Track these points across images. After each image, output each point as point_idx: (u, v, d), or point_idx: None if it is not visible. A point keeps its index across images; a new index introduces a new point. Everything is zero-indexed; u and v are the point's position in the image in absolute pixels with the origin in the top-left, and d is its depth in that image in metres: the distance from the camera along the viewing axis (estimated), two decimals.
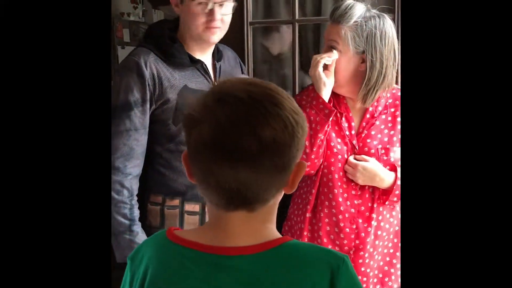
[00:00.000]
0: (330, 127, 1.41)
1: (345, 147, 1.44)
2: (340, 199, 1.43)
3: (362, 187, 1.44)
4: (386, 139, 1.44)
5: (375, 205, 1.44)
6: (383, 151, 1.43)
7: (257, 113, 0.68)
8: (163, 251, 0.77)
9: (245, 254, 0.72)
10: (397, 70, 1.46)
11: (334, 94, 1.44)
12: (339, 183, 1.43)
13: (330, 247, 1.42)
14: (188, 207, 1.47)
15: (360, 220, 1.43)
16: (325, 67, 1.39)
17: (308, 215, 1.46)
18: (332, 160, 1.43)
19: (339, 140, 1.44)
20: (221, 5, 1.39)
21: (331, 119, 1.38)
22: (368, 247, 1.44)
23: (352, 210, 1.44)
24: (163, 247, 0.77)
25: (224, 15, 1.40)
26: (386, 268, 1.50)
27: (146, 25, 2.74)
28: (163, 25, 1.51)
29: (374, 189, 1.44)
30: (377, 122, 1.44)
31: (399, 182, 1.40)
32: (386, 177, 1.41)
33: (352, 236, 1.43)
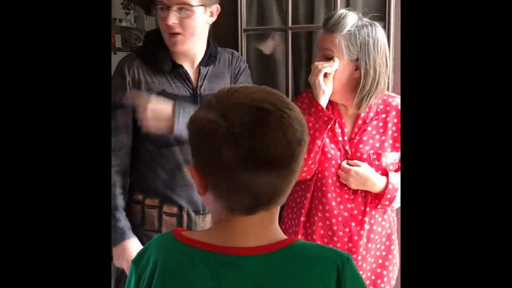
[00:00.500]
0: (326, 133, 1.44)
1: (338, 153, 1.47)
2: (334, 203, 1.46)
3: (355, 191, 1.46)
4: (377, 144, 1.47)
5: (367, 209, 1.47)
6: (374, 156, 1.46)
7: (284, 121, 0.72)
8: (172, 252, 0.78)
9: (255, 254, 0.75)
10: (389, 76, 1.50)
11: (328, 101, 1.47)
12: (333, 188, 1.46)
13: None
14: (166, 208, 1.51)
15: (353, 224, 1.46)
16: (324, 75, 1.41)
17: (302, 219, 1.49)
18: (326, 165, 1.46)
19: (332, 145, 1.47)
20: (180, 9, 1.41)
21: (329, 126, 1.41)
22: (361, 250, 1.46)
23: (345, 214, 1.46)
24: (172, 247, 0.79)
25: (183, 19, 1.41)
26: (378, 270, 1.53)
27: (138, 31, 2.75)
28: (156, 32, 1.54)
29: (366, 193, 1.47)
30: (369, 128, 1.47)
31: (390, 186, 1.43)
32: (378, 182, 1.44)
33: (345, 240, 1.45)
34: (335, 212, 1.46)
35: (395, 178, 1.45)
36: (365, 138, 1.47)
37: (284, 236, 0.79)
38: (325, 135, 1.44)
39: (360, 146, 1.47)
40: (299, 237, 1.49)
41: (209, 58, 1.53)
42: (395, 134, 1.48)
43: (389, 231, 1.53)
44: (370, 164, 1.45)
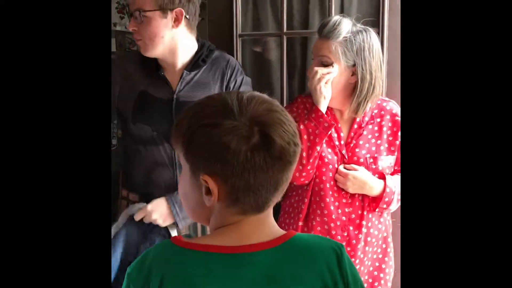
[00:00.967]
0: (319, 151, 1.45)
1: (335, 157, 1.49)
2: (332, 208, 1.48)
3: (352, 196, 1.48)
4: (373, 148, 1.49)
5: (365, 213, 1.48)
6: (371, 160, 1.48)
7: (288, 122, 0.79)
8: (179, 260, 0.78)
9: (264, 250, 0.78)
10: (383, 81, 1.53)
11: None
12: (330, 192, 1.48)
13: None
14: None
15: (351, 228, 1.48)
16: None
17: (300, 223, 1.50)
18: (324, 169, 1.48)
19: (329, 150, 1.49)
20: (135, 17, 1.40)
21: (329, 132, 1.43)
22: (359, 253, 1.48)
23: (344, 218, 1.48)
24: (179, 255, 0.79)
25: (140, 25, 1.40)
26: (375, 273, 1.54)
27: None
28: None
29: (363, 197, 1.49)
30: (365, 132, 1.50)
31: (388, 190, 1.45)
32: (376, 185, 1.46)
33: (344, 244, 1.46)
34: (333, 216, 1.47)
35: (392, 181, 1.48)
36: (361, 142, 1.49)
37: (283, 231, 0.83)
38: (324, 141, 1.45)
39: (357, 150, 1.49)
40: None
41: (195, 63, 1.49)
42: (390, 138, 1.50)
43: (385, 234, 1.55)
44: (367, 168, 1.47)
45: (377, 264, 1.55)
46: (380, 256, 1.55)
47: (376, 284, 1.54)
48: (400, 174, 1.52)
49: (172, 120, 1.46)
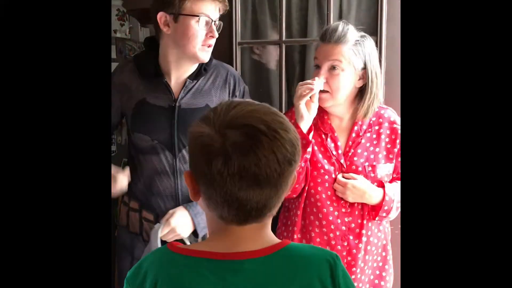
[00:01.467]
0: (310, 154, 1.44)
1: (332, 167, 1.48)
2: (331, 218, 1.47)
3: (352, 205, 1.48)
4: (372, 156, 1.49)
5: (364, 221, 1.49)
6: (370, 168, 1.48)
7: (277, 142, 0.76)
8: (173, 265, 0.81)
9: (255, 257, 0.79)
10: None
11: (319, 115, 1.49)
12: (329, 202, 1.47)
13: None
14: (145, 213, 1.54)
15: (351, 237, 1.48)
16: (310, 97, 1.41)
17: (296, 236, 1.50)
18: (319, 180, 1.47)
19: (325, 160, 1.48)
20: (215, 23, 1.43)
21: (308, 149, 1.41)
22: (360, 262, 1.48)
23: (343, 227, 1.48)
24: (172, 261, 0.81)
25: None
26: (376, 281, 1.55)
27: (132, 42, 2.77)
28: (150, 39, 1.56)
29: (363, 205, 1.49)
30: (363, 141, 1.50)
31: (387, 198, 1.46)
32: (375, 194, 1.46)
33: (344, 253, 1.47)
34: (332, 226, 1.47)
35: (391, 189, 1.48)
36: (359, 151, 1.49)
37: (278, 240, 0.84)
38: (308, 156, 1.44)
39: (355, 159, 1.49)
40: None
41: (199, 72, 1.51)
42: (389, 146, 1.51)
43: (384, 241, 1.56)
44: (366, 176, 1.48)
45: (377, 272, 1.55)
46: (380, 264, 1.55)
47: None
48: (398, 181, 1.53)
49: (173, 127, 1.47)
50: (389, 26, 1.74)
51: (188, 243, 1.45)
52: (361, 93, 1.49)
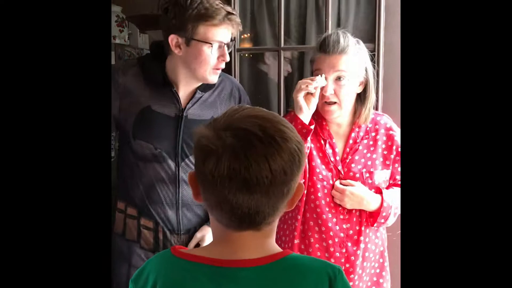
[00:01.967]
0: (309, 148, 1.45)
1: (329, 173, 1.49)
2: (330, 224, 1.47)
3: (349, 211, 1.48)
4: (369, 162, 1.50)
5: (362, 228, 1.49)
6: (367, 175, 1.48)
7: (272, 149, 0.75)
8: (173, 268, 0.82)
9: (253, 266, 0.79)
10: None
11: (317, 122, 1.50)
12: (327, 209, 1.47)
13: None
14: (144, 221, 1.53)
15: (349, 244, 1.48)
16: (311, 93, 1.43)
17: (295, 241, 1.50)
18: (319, 186, 1.47)
19: (323, 166, 1.49)
20: (228, 46, 1.42)
21: (309, 138, 1.42)
22: (358, 269, 1.48)
23: (342, 234, 1.48)
24: (172, 264, 0.82)
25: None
26: None
27: (131, 47, 2.78)
28: (157, 44, 1.52)
29: (361, 212, 1.49)
30: (360, 147, 1.50)
31: (385, 204, 1.46)
32: (373, 200, 1.46)
33: (342, 260, 1.47)
34: (331, 233, 1.47)
35: (389, 196, 1.48)
36: (356, 157, 1.50)
37: (279, 249, 0.83)
38: (307, 150, 1.44)
39: (353, 165, 1.49)
40: None
41: (208, 84, 1.50)
42: (385, 152, 1.51)
43: (381, 248, 1.56)
44: (363, 182, 1.48)
45: (375, 279, 1.55)
46: (378, 270, 1.55)
47: None
48: (395, 187, 1.53)
49: (177, 137, 1.46)
50: (387, 33, 1.76)
51: None
52: (359, 98, 1.50)
